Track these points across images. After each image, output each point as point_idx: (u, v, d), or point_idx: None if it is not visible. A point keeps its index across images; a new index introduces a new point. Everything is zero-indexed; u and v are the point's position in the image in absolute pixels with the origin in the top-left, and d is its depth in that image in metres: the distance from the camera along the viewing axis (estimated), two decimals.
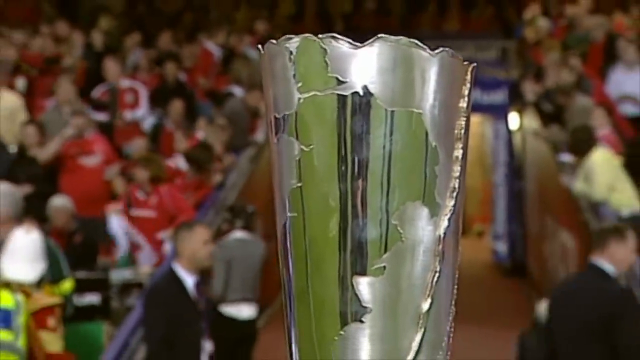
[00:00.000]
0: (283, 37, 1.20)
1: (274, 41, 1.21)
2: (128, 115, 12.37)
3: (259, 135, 12.26)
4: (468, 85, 1.23)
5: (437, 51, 1.20)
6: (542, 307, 9.15)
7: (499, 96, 15.54)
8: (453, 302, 1.25)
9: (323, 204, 1.20)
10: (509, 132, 16.06)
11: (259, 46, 1.23)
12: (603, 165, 10.14)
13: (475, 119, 19.29)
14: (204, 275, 7.67)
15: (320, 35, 1.19)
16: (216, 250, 8.67)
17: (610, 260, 6.71)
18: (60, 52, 13.87)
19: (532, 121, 13.91)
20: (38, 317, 6.66)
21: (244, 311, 8.88)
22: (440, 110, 1.20)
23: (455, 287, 1.27)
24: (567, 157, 11.32)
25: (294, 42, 1.19)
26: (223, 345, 8.04)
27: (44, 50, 14.04)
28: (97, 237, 10.03)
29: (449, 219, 1.22)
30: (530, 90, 13.72)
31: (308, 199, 1.21)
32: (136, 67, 13.69)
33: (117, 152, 11.39)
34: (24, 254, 6.71)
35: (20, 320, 6.04)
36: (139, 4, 17.26)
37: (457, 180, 1.23)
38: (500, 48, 16.32)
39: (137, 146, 11.29)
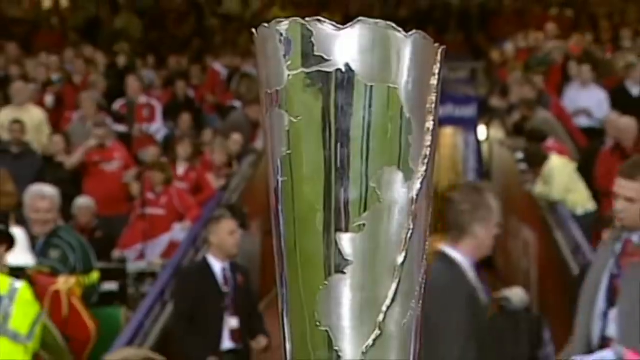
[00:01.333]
0: (274, 21, 1.20)
1: (266, 25, 1.20)
2: (145, 128, 12.41)
3: (259, 144, 12.27)
4: (438, 64, 1.22)
5: (410, 33, 1.19)
6: (511, 294, 9.15)
7: (469, 111, 15.56)
8: (424, 257, 1.24)
9: (310, 169, 1.19)
10: (478, 142, 16.09)
11: (253, 30, 1.22)
12: (560, 170, 10.17)
13: (448, 130, 19.30)
14: (234, 263, 7.72)
15: (307, 19, 1.19)
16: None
17: None
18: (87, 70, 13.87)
19: (497, 132, 13.97)
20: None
21: None
22: (413, 86, 1.20)
23: (427, 243, 1.26)
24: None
25: (283, 25, 1.19)
26: None
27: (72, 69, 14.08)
28: (115, 232, 10.04)
29: (421, 183, 1.21)
30: (496, 104, 13.76)
31: (296, 165, 1.20)
32: (150, 85, 13.67)
33: (134, 158, 11.36)
34: (21, 242, 6.57)
35: (8, 306, 5.77)
36: (153, 30, 17.23)
37: (429, 149, 1.22)
38: (470, 69, 16.36)
39: (150, 154, 11.28)
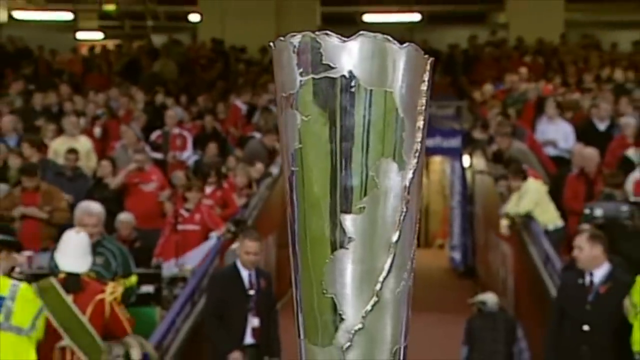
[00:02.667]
0: (288, 35, 1.21)
1: (282, 38, 1.21)
2: (177, 155, 12.46)
3: (274, 170, 12.29)
4: (428, 73, 1.23)
5: (404, 45, 1.20)
6: (486, 298, 9.13)
7: (454, 142, 15.57)
8: (415, 236, 1.25)
9: (318, 160, 1.21)
10: (463, 169, 16.07)
11: (271, 43, 1.24)
12: (534, 189, 10.19)
13: (437, 159, 19.32)
14: (259, 268, 7.71)
15: (316, 32, 1.20)
16: (227, 254, 8.88)
17: None
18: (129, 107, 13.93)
19: (479, 161, 13.97)
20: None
21: None
22: (406, 91, 1.21)
23: (417, 224, 1.27)
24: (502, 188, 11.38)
25: (296, 38, 1.20)
26: None
27: (116, 106, 14.14)
28: (151, 243, 10.03)
29: (413, 173, 1.23)
30: (478, 137, 13.76)
31: (307, 157, 1.22)
32: (182, 119, 13.70)
33: (168, 181, 11.37)
34: (75, 250, 6.53)
35: (11, 305, 5.74)
36: (186, 73, 17.29)
37: (419, 144, 1.24)
38: (455, 106, 16.35)
39: (178, 177, 11.30)
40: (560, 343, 6.78)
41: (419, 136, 1.22)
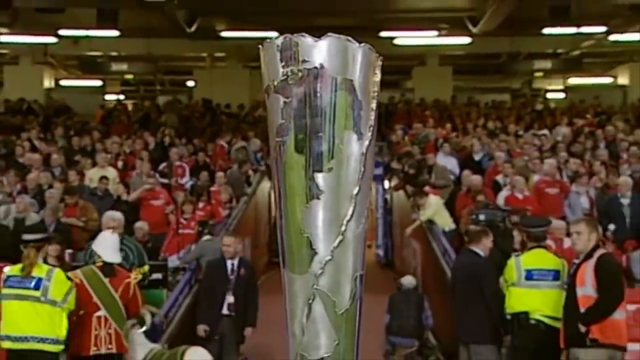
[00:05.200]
0: (274, 37, 1.15)
1: (268, 40, 1.15)
2: (179, 180, 12.29)
3: (249, 190, 12.21)
4: (379, 67, 1.18)
5: (361, 45, 1.15)
6: (403, 280, 9.10)
7: (378, 170, 15.55)
8: (369, 190, 1.19)
9: (297, 132, 1.14)
10: (384, 189, 16.09)
11: (260, 46, 1.18)
12: (434, 202, 10.22)
13: None
14: (242, 259, 7.52)
15: (294, 34, 1.14)
16: (199, 244, 8.85)
17: (481, 248, 6.62)
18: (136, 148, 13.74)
19: (395, 183, 14.00)
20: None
21: None
22: (363, 79, 1.16)
23: (371, 182, 1.21)
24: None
25: (279, 39, 1.14)
26: None
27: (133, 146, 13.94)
28: (159, 243, 9.86)
29: (369, 142, 1.17)
30: (394, 167, 13.79)
31: (288, 130, 1.15)
32: (182, 155, 13.52)
33: (172, 199, 11.18)
34: (111, 245, 6.42)
35: (46, 285, 5.66)
36: (184, 123, 17.12)
37: (373, 121, 1.18)
38: (379, 146, 16.46)
39: (179, 196, 11.13)
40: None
41: (372, 114, 1.16)
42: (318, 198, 1.16)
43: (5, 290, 5.68)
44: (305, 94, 1.15)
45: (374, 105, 1.18)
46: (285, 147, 1.17)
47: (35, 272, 5.70)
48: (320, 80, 1.14)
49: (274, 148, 1.18)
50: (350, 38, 1.14)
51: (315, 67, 1.14)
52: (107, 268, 6.22)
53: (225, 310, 7.27)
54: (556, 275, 6.04)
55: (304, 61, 1.14)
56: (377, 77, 1.19)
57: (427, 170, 12.04)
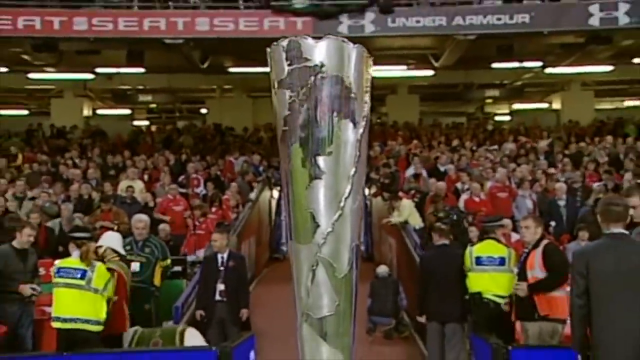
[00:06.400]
0: (280, 39, 1.10)
1: (275, 43, 1.10)
2: (195, 190, 12.18)
3: (253, 195, 12.11)
4: (370, 65, 1.13)
5: (355, 46, 1.09)
6: (378, 269, 9.05)
7: None
8: (364, 171, 1.14)
9: (302, 119, 1.09)
10: (365, 196, 15.90)
11: (267, 49, 1.12)
12: (406, 205, 10.17)
13: None
14: (231, 253, 7.14)
15: (297, 36, 1.09)
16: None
17: (448, 242, 6.49)
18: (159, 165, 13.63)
19: (374, 191, 13.89)
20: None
21: None
22: (357, 76, 1.11)
23: (365, 164, 1.15)
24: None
25: (285, 41, 1.09)
26: None
27: (157, 162, 13.82)
28: (180, 242, 9.73)
29: (363, 130, 1.12)
30: (373, 177, 13.72)
31: (293, 120, 1.09)
32: (197, 169, 13.41)
33: (189, 205, 11.06)
34: (120, 242, 6.40)
35: (90, 275, 5.59)
36: (199, 143, 16.99)
37: (366, 111, 1.13)
38: None
39: (195, 203, 11.01)
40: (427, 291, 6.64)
41: (366, 106, 1.12)
42: (319, 178, 1.11)
43: (56, 280, 5.67)
44: (309, 88, 1.09)
45: (367, 98, 1.13)
46: (290, 134, 1.11)
47: (82, 265, 5.69)
48: (320, 76, 1.08)
49: (280, 137, 1.12)
50: (345, 40, 1.09)
51: (316, 65, 1.09)
52: (124, 260, 6.22)
53: (217, 297, 7.02)
54: (502, 261, 6.03)
55: (306, 59, 1.08)
56: (369, 74, 1.14)
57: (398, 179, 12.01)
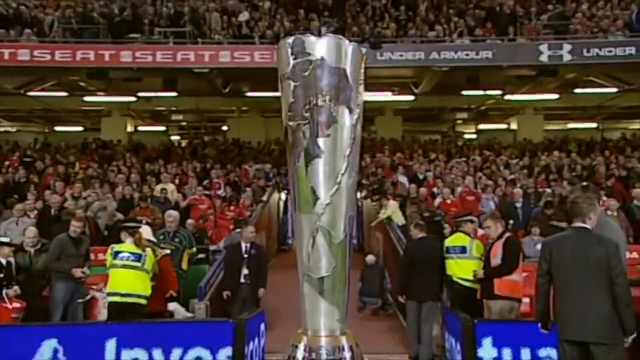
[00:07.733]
0: (285, 37, 1.04)
1: (282, 40, 1.04)
2: (216, 192, 12.09)
3: (264, 197, 12.00)
4: (365, 59, 1.06)
5: (351, 43, 1.03)
6: (367, 258, 8.97)
7: None
8: (359, 152, 1.08)
9: (306, 107, 1.02)
10: (357, 198, 15.80)
11: (275, 46, 1.06)
12: (392, 205, 10.11)
13: None
14: (253, 243, 7.12)
15: (301, 34, 1.02)
16: (231, 235, 8.50)
17: (431, 235, 6.47)
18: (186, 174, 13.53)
19: (365, 193, 13.82)
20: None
21: None
22: (353, 68, 1.05)
23: (359, 146, 1.09)
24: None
25: (290, 39, 1.03)
26: None
27: (186, 169, 13.73)
28: (204, 234, 9.63)
29: (358, 116, 1.07)
30: (364, 182, 13.63)
31: (297, 108, 1.03)
32: (218, 175, 13.31)
33: (212, 204, 10.96)
34: (149, 233, 6.31)
35: (144, 258, 5.63)
36: (220, 155, 16.86)
37: (360, 99, 1.07)
38: None
39: (216, 202, 10.90)
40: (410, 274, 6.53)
41: (360, 96, 1.06)
42: (319, 157, 1.05)
43: (115, 262, 5.72)
44: (310, 79, 1.03)
45: (361, 89, 1.08)
46: (295, 118, 1.05)
47: (138, 250, 5.76)
48: (320, 69, 1.02)
49: (286, 128, 1.06)
50: (342, 37, 1.03)
51: (317, 59, 1.03)
52: (154, 248, 6.18)
53: (242, 280, 7.02)
54: (463, 249, 6.00)
55: (309, 54, 1.02)
56: (363, 67, 1.07)
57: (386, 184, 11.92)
